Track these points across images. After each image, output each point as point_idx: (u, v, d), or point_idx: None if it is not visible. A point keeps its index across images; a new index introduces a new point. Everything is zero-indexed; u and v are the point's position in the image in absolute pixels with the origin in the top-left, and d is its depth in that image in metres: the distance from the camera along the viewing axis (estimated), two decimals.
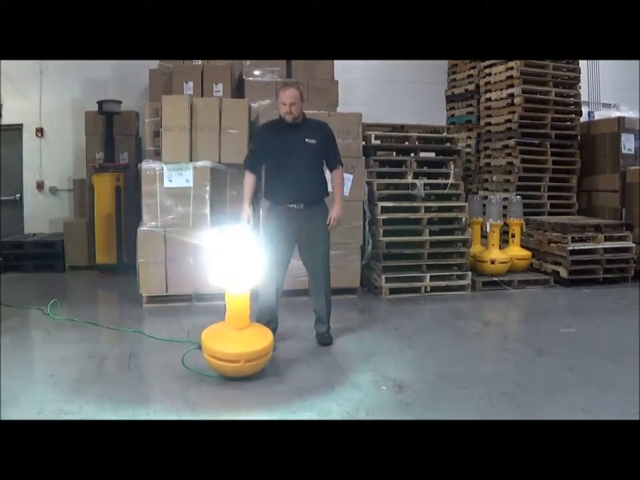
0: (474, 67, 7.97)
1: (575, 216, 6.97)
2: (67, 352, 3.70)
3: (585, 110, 7.72)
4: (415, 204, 5.63)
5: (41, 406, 2.81)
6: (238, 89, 6.31)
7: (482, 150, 7.71)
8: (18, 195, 7.34)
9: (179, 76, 6.09)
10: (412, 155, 6.04)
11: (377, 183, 5.62)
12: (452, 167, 5.90)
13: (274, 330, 3.68)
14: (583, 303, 5.35)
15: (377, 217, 5.48)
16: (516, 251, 6.17)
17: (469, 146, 7.94)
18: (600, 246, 5.97)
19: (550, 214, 6.97)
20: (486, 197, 6.48)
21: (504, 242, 6.31)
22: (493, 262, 5.86)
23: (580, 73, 7.38)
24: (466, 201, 5.95)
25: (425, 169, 5.95)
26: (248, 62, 6.25)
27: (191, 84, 6.06)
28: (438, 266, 5.60)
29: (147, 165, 5.05)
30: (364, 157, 5.48)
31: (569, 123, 7.31)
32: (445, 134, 6.27)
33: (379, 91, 7.95)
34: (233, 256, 3.24)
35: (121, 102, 6.78)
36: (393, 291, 5.38)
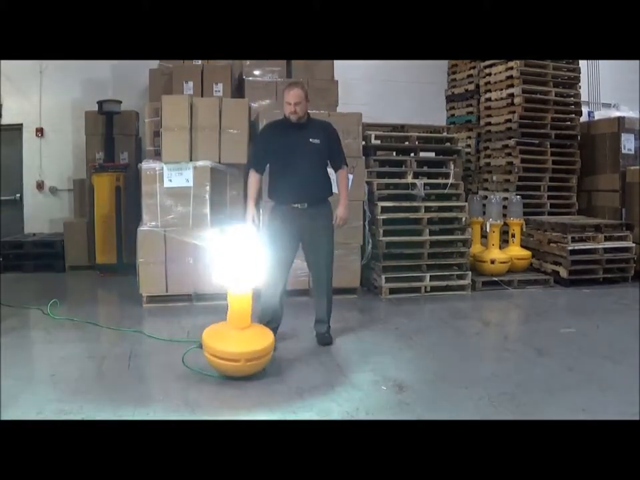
0: (474, 67, 7.97)
1: (575, 216, 6.97)
2: (66, 352, 3.70)
3: (585, 110, 7.72)
4: (414, 204, 5.63)
5: (40, 406, 2.80)
6: (238, 89, 6.31)
7: (482, 150, 7.71)
8: (18, 195, 7.34)
9: (178, 76, 6.09)
10: (412, 154, 6.04)
11: (377, 183, 5.62)
12: (452, 166, 5.91)
13: (274, 330, 3.68)
14: (582, 303, 5.35)
15: (376, 216, 5.48)
16: (516, 251, 6.17)
17: (468, 146, 7.94)
18: (600, 246, 5.97)
19: (550, 214, 6.97)
20: (486, 197, 6.48)
21: (504, 242, 6.31)
22: (492, 262, 5.86)
23: (580, 73, 7.38)
24: (466, 201, 5.95)
25: (425, 168, 5.95)
26: (248, 62, 6.25)
27: (190, 84, 6.06)
28: (438, 266, 5.60)
29: (146, 165, 5.05)
30: (364, 157, 5.49)
31: (569, 122, 7.31)
32: (444, 134, 6.27)
33: (378, 91, 7.95)
34: (235, 255, 3.25)
35: (121, 102, 6.78)
36: (392, 291, 5.38)
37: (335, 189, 3.99)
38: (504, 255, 5.99)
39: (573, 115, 7.36)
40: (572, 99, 7.36)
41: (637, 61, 7.79)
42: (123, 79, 7.15)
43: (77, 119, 7.09)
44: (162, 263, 4.98)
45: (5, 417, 2.64)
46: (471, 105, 8.08)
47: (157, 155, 5.25)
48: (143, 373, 3.48)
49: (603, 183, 7.03)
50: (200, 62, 6.17)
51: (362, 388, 3.14)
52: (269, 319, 3.80)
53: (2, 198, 7.08)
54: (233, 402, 2.97)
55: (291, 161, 3.72)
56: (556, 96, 7.16)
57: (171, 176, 4.99)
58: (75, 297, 5.58)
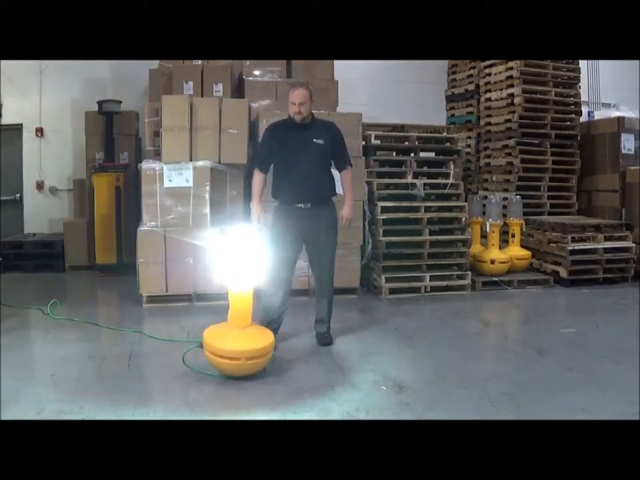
0: (474, 67, 7.97)
1: (574, 216, 6.97)
2: (66, 352, 3.70)
3: (584, 110, 7.73)
4: (414, 204, 5.63)
5: (40, 406, 2.80)
6: (238, 89, 6.31)
7: (482, 150, 7.71)
8: (18, 195, 7.34)
9: (179, 76, 6.08)
10: (412, 154, 6.04)
11: (377, 183, 5.62)
12: (452, 166, 5.91)
13: (275, 330, 3.68)
14: (582, 303, 5.35)
15: (376, 216, 5.48)
16: (516, 251, 6.17)
17: (468, 146, 7.95)
18: (600, 246, 5.97)
19: (550, 214, 6.98)
20: (486, 197, 6.48)
21: (504, 242, 6.31)
22: (492, 262, 5.86)
23: (580, 73, 7.39)
24: (466, 201, 5.95)
25: (425, 168, 5.95)
26: (248, 62, 6.24)
27: (190, 84, 6.06)
28: (438, 266, 5.60)
29: (146, 165, 5.05)
30: (364, 157, 5.49)
31: (569, 122, 7.31)
32: (444, 134, 6.27)
33: (378, 91, 7.95)
34: (236, 254, 3.25)
35: (120, 102, 6.79)
36: (392, 291, 5.38)
37: (338, 190, 3.99)
38: (504, 255, 6.00)
39: (573, 115, 7.36)
40: (572, 98, 7.36)
41: (637, 61, 7.81)
42: (123, 79, 7.15)
43: (76, 118, 7.09)
44: (162, 263, 4.98)
45: (5, 417, 2.64)
46: (471, 105, 8.08)
47: (157, 155, 5.25)
48: (143, 372, 3.47)
49: (602, 183, 7.04)
50: (200, 62, 6.17)
51: (362, 388, 3.14)
52: (270, 319, 3.80)
53: (2, 198, 7.08)
54: (233, 402, 2.96)
55: (295, 161, 3.72)
56: (556, 96, 7.16)
57: (171, 176, 4.99)
58: (75, 297, 5.58)
